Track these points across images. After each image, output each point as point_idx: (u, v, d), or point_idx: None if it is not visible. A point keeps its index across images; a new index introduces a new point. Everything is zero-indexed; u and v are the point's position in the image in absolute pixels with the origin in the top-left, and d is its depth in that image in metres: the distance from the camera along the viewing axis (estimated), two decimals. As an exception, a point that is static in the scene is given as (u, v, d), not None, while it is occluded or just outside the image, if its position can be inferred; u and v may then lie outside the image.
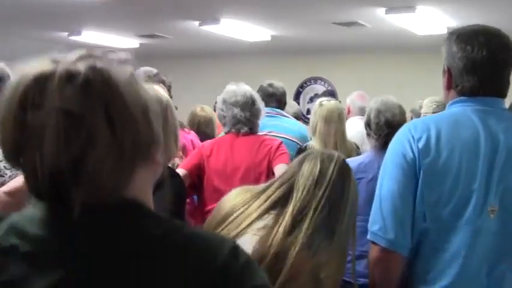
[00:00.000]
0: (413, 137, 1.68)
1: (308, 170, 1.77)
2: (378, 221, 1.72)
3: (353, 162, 2.87)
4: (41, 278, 0.71)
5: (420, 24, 6.86)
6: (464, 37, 1.73)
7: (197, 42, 8.57)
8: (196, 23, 7.08)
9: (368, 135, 2.95)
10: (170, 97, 2.30)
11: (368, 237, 1.76)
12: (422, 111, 3.92)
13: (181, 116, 2.90)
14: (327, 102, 3.44)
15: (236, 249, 0.81)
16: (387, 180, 1.73)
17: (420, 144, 1.65)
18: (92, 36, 7.98)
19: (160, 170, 0.87)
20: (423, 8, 6.04)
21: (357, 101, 4.69)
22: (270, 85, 3.96)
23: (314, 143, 3.35)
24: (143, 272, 0.74)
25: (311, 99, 10.06)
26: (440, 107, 3.52)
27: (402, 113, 2.93)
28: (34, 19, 7.57)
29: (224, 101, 3.05)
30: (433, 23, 6.76)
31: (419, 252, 1.71)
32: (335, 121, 3.32)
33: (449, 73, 1.77)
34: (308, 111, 9.63)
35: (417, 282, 1.72)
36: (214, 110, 3.93)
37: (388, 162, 1.75)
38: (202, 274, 0.76)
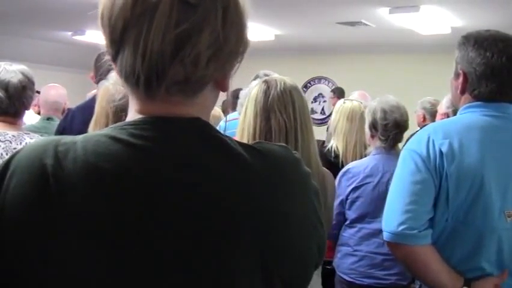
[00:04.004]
0: (433, 141, 1.70)
1: None
2: (383, 217, 1.74)
3: (358, 166, 2.85)
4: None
5: (424, 23, 6.84)
6: (482, 43, 1.75)
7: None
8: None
9: (372, 136, 2.91)
10: None
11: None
12: (442, 110, 3.85)
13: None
14: (350, 102, 3.41)
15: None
16: (395, 178, 1.76)
17: (444, 150, 1.67)
18: (96, 35, 7.98)
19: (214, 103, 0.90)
20: (428, 7, 6.03)
21: (360, 100, 4.67)
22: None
23: (335, 143, 3.28)
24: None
25: (315, 99, 10.06)
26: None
27: (406, 112, 2.92)
28: (37, 18, 7.58)
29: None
30: (437, 22, 6.75)
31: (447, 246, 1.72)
32: (358, 120, 3.25)
33: (464, 77, 1.79)
34: (312, 111, 9.63)
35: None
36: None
37: (400, 165, 1.77)
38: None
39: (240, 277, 0.76)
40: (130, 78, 0.78)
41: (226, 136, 0.83)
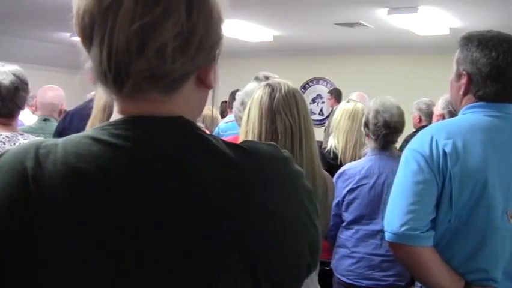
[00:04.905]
0: (436, 141, 1.69)
1: None
2: (385, 217, 1.74)
3: (353, 168, 2.86)
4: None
5: (422, 24, 6.85)
6: (487, 43, 1.75)
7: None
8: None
9: (367, 135, 2.94)
10: None
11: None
12: (437, 112, 3.86)
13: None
14: (354, 102, 3.42)
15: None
16: (397, 178, 1.76)
17: (448, 150, 1.66)
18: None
19: (205, 101, 0.89)
20: (426, 8, 6.03)
21: (358, 101, 4.68)
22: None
23: (334, 141, 3.28)
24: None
25: (314, 100, 10.07)
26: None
27: (401, 113, 2.92)
28: (36, 19, 7.58)
29: (244, 103, 3.01)
30: (436, 23, 6.76)
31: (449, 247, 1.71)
32: (359, 120, 3.25)
33: (468, 78, 1.78)
34: (311, 112, 9.62)
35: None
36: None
37: (403, 165, 1.76)
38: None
39: (223, 277, 0.76)
40: (99, 75, 0.77)
41: (211, 135, 0.82)
